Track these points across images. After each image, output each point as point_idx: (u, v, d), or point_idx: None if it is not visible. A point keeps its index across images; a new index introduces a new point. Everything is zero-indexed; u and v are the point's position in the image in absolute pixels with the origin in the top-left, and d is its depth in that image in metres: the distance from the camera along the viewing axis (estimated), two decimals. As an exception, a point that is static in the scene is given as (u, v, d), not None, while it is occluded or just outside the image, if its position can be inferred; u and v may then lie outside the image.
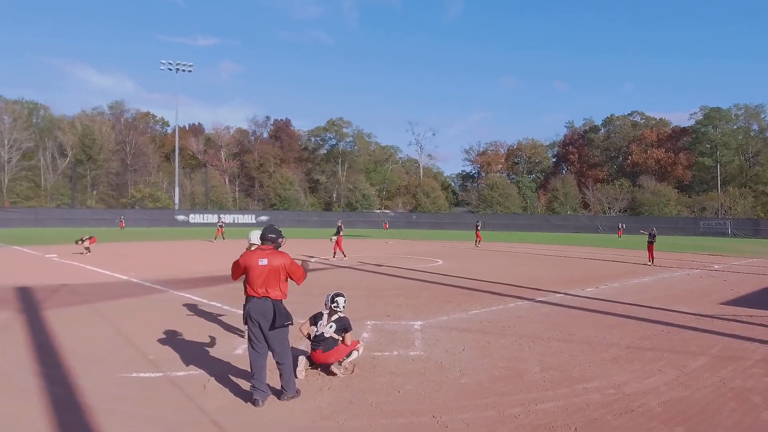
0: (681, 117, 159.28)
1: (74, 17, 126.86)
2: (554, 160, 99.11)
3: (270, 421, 4.27)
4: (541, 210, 79.10)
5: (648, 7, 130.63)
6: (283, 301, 4.84)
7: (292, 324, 4.85)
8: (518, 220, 64.16)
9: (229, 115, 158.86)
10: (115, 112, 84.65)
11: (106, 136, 76.20)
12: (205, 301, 9.90)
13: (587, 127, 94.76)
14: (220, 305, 9.42)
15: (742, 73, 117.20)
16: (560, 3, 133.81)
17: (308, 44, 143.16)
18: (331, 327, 5.57)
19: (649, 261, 18.92)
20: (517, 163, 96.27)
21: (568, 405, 4.66)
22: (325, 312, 5.71)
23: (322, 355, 5.45)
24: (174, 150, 68.34)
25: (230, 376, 5.36)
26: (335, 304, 5.70)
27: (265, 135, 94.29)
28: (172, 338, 6.96)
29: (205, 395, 4.84)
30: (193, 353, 6.23)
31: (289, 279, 4.92)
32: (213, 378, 5.30)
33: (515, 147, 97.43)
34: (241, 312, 5.75)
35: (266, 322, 4.67)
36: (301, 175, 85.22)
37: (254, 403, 4.57)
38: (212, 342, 6.80)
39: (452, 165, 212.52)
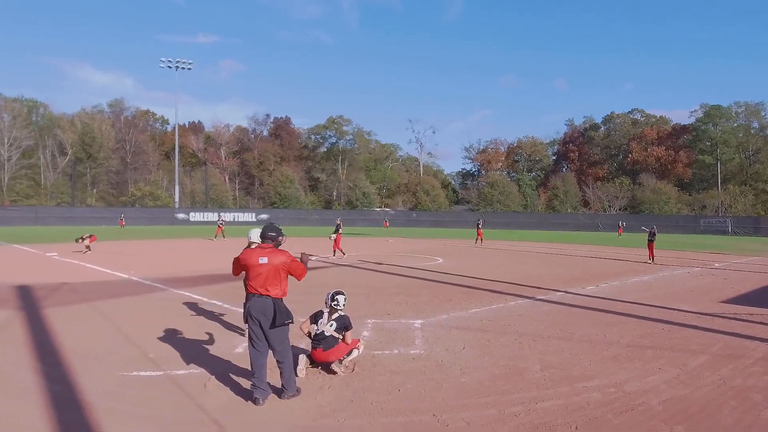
0: (681, 115, 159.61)
1: (73, 15, 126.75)
2: (554, 158, 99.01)
3: (270, 420, 4.27)
4: (541, 208, 79.05)
5: (648, 7, 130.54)
6: (283, 300, 4.84)
7: (292, 322, 4.85)
8: (518, 219, 64.18)
9: (229, 113, 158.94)
10: (114, 110, 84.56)
11: (105, 135, 76.14)
12: (205, 299, 9.90)
13: (587, 125, 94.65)
14: (220, 304, 9.41)
15: (743, 73, 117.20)
16: (560, 3, 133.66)
17: (308, 44, 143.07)
18: (331, 325, 5.57)
19: (650, 259, 18.92)
20: (518, 161, 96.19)
21: (569, 403, 4.66)
22: (326, 310, 5.71)
23: (322, 353, 5.45)
24: (174, 148, 68.24)
25: (231, 375, 5.36)
26: (335, 303, 5.69)
27: (265, 133, 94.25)
28: (172, 337, 6.96)
29: (206, 394, 4.84)
30: (194, 352, 6.23)
31: (289, 276, 4.92)
32: (213, 377, 5.30)
33: (515, 145, 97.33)
34: (242, 310, 5.75)
35: (266, 320, 4.67)
36: (301, 173, 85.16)
37: (255, 401, 4.57)
38: (212, 340, 6.80)
39: (452, 163, 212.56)
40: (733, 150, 77.53)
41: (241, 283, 5.30)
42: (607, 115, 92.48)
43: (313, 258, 17.48)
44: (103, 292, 10.80)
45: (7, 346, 6.37)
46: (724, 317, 8.78)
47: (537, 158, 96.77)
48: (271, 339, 4.71)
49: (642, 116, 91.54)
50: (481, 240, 28.30)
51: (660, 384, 5.22)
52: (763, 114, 78.13)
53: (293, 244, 5.36)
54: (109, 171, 77.00)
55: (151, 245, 25.65)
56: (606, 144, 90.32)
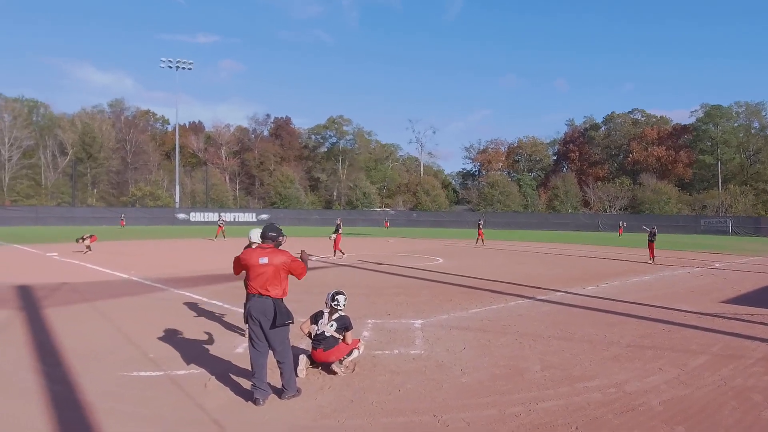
0: (682, 114, 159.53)
1: (73, 15, 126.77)
2: (555, 158, 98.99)
3: (271, 420, 4.27)
4: (541, 208, 79.03)
5: (648, 7, 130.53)
6: (283, 300, 4.84)
7: (292, 323, 4.85)
8: (519, 219, 64.19)
9: (230, 113, 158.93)
10: (115, 110, 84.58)
11: (106, 134, 76.16)
12: (205, 299, 9.90)
13: (588, 125, 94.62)
14: (220, 304, 9.42)
15: (743, 73, 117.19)
16: (560, 3, 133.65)
17: (308, 44, 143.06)
18: (331, 326, 5.56)
19: (650, 259, 18.92)
20: (518, 161, 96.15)
21: (569, 404, 4.66)
22: (326, 310, 5.71)
23: (322, 353, 5.45)
24: (174, 148, 68.26)
25: (231, 375, 5.36)
26: (336, 303, 5.69)
27: (266, 133, 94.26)
28: (172, 337, 6.96)
29: (206, 394, 4.84)
30: (194, 352, 6.23)
31: (290, 275, 4.93)
32: (214, 377, 5.30)
33: (516, 145, 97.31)
34: (242, 310, 5.75)
35: (267, 320, 4.67)
36: (301, 173, 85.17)
37: (255, 402, 4.57)
38: (212, 340, 6.80)
39: (453, 163, 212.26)
40: (733, 150, 77.48)
41: (241, 284, 5.30)
42: (608, 115, 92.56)
43: (313, 258, 17.48)
44: (104, 292, 10.80)
45: (8, 346, 6.37)
46: (725, 317, 8.78)
47: (537, 158, 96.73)
48: (271, 339, 4.71)
49: (642, 116, 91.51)
50: (482, 240, 28.27)
51: (660, 384, 5.22)
52: (764, 114, 78.12)
53: (293, 245, 5.36)
54: (110, 171, 77.02)
55: (151, 245, 25.66)
56: (606, 144, 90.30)
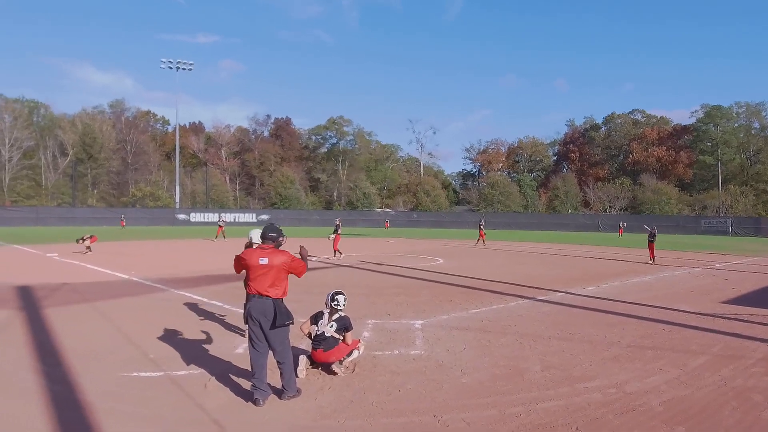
0: (682, 115, 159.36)
1: (74, 15, 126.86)
2: (555, 158, 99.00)
3: (271, 421, 4.27)
4: (541, 208, 79.03)
5: (648, 7, 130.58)
6: (283, 300, 4.84)
7: (292, 323, 4.85)
8: (519, 219, 64.18)
9: (230, 114, 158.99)
10: (115, 111, 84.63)
11: (106, 135, 76.20)
12: (205, 300, 9.90)
13: (588, 126, 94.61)
14: (220, 304, 9.42)
15: (743, 73, 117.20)
16: (560, 3, 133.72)
17: (308, 44, 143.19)
18: (331, 326, 5.56)
19: (650, 260, 18.91)
20: (518, 162, 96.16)
21: (569, 404, 4.65)
22: (326, 311, 5.70)
23: (322, 354, 5.45)
24: (174, 148, 68.28)
25: (231, 376, 5.36)
26: (336, 303, 5.69)
27: (266, 133, 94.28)
28: (172, 337, 6.96)
29: (206, 394, 4.84)
30: (194, 352, 6.23)
31: (290, 274, 4.93)
32: (214, 377, 5.30)
33: (516, 145, 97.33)
34: (242, 311, 5.74)
35: (267, 321, 4.67)
36: (301, 174, 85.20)
37: (255, 402, 4.57)
38: (212, 341, 6.80)
39: (453, 163, 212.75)
40: (733, 150, 77.48)
41: (241, 284, 5.30)
42: (608, 115, 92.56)
43: (313, 259, 17.49)
44: (104, 292, 10.80)
45: (8, 346, 6.37)
46: (725, 318, 8.77)
47: (537, 159, 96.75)
48: (271, 340, 4.71)
49: (642, 116, 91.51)
50: (483, 241, 28.25)
51: (660, 384, 5.21)
52: (764, 114, 78.10)
53: (293, 245, 5.37)
54: (110, 171, 77.06)
55: (151, 246, 25.66)
56: (606, 144, 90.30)
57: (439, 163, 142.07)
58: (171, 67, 64.38)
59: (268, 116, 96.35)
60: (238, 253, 5.03)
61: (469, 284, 12.61)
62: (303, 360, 5.45)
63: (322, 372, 5.51)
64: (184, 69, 64.76)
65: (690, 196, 73.64)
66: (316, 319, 5.70)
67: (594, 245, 30.52)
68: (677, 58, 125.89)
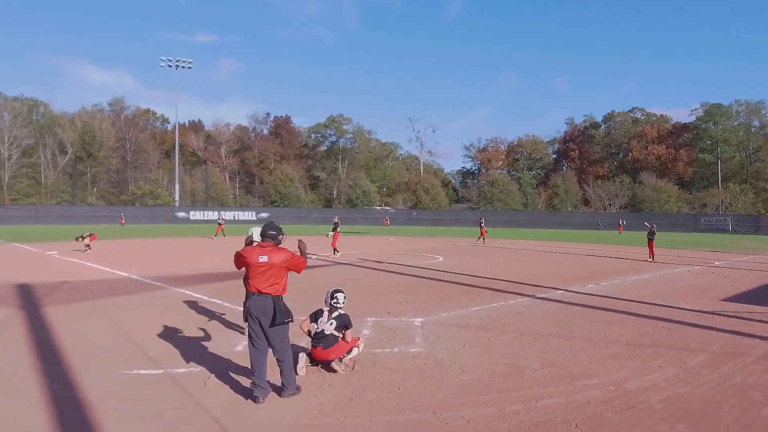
0: (682, 113, 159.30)
1: (73, 14, 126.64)
2: (555, 156, 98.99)
3: (270, 418, 4.27)
4: (541, 207, 79.04)
5: (648, 7, 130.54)
6: (283, 298, 4.84)
7: (292, 321, 4.84)
8: (519, 217, 64.21)
9: (229, 112, 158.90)
10: (115, 109, 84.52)
11: (106, 133, 76.12)
12: (205, 298, 9.90)
13: (588, 124, 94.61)
14: (220, 302, 9.41)
15: (743, 72, 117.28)
16: (560, 3, 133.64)
17: (308, 43, 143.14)
18: (331, 324, 5.56)
19: (650, 257, 18.92)
20: (518, 160, 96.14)
21: (569, 402, 4.65)
22: (326, 309, 5.70)
23: (322, 352, 5.45)
24: (174, 147, 68.20)
25: (231, 373, 5.36)
26: (335, 301, 5.69)
27: (266, 132, 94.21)
28: (172, 335, 6.96)
29: (206, 392, 4.84)
30: (194, 350, 6.23)
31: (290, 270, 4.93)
32: (213, 375, 5.30)
33: (516, 143, 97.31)
34: (242, 309, 5.74)
35: (266, 319, 4.67)
36: (301, 172, 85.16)
37: (255, 400, 4.57)
38: (212, 339, 6.80)
39: (452, 161, 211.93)
40: (733, 148, 77.49)
41: (240, 282, 5.31)
42: (608, 113, 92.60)
43: (313, 257, 17.49)
44: (104, 290, 10.80)
45: (8, 345, 6.37)
46: (725, 315, 8.78)
47: (537, 157, 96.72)
48: (270, 337, 4.71)
49: (642, 115, 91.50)
50: (483, 239, 28.28)
51: (660, 382, 5.22)
52: (764, 112, 78.14)
53: (293, 243, 5.37)
54: (110, 170, 76.99)
55: (151, 244, 25.65)
56: (606, 142, 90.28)
57: (439, 161, 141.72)
58: (170, 66, 64.28)
59: (268, 114, 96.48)
60: (239, 250, 5.03)
61: (469, 282, 12.62)
62: (303, 358, 5.45)
63: (321, 370, 5.51)
64: (183, 67, 64.64)
65: (690, 194, 73.68)
66: (315, 316, 5.70)
67: (594, 243, 30.52)
68: (677, 58, 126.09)
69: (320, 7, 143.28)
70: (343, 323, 5.61)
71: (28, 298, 9.69)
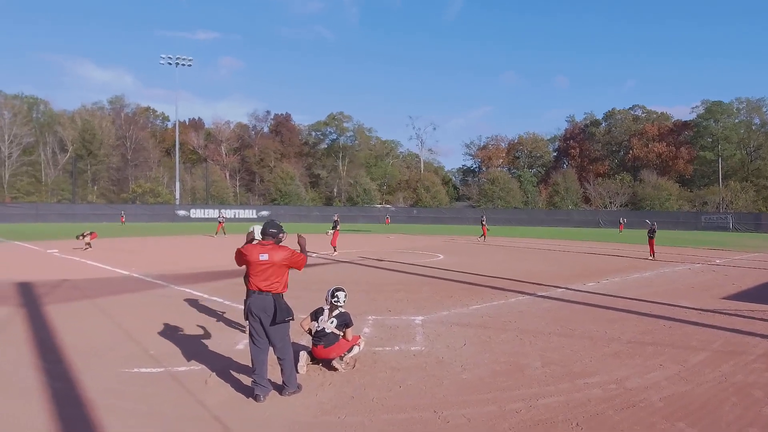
0: (682, 111, 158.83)
1: (73, 12, 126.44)
2: (555, 154, 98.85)
3: (271, 417, 4.27)
4: (542, 204, 78.99)
5: (648, 7, 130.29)
6: (283, 296, 4.83)
7: (293, 319, 4.84)
8: (519, 215, 64.21)
9: (230, 110, 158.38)
10: (115, 107, 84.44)
11: (106, 131, 76.08)
12: (206, 296, 9.90)
13: (588, 121, 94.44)
14: (221, 300, 9.42)
15: (743, 72, 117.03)
16: (560, 3, 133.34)
17: (308, 41, 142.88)
18: (332, 322, 5.56)
19: (650, 255, 18.91)
20: (518, 158, 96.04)
21: (570, 400, 4.65)
22: (326, 307, 5.70)
23: (323, 350, 5.45)
24: (174, 145, 68.21)
25: (231, 372, 5.36)
26: (336, 299, 5.69)
27: (266, 130, 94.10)
28: (173, 333, 6.96)
29: (207, 390, 4.84)
30: (194, 348, 6.23)
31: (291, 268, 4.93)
32: (214, 373, 5.30)
33: (516, 141, 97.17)
34: (242, 307, 5.74)
35: (267, 317, 4.67)
36: (301, 170, 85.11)
37: (256, 398, 4.57)
38: (213, 337, 6.80)
39: (453, 159, 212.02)
40: (734, 146, 77.39)
41: (241, 280, 5.30)
42: (608, 111, 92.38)
43: (313, 255, 17.49)
44: (104, 288, 10.80)
45: (8, 343, 6.37)
46: (725, 314, 8.77)
47: (538, 154, 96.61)
48: (271, 336, 4.71)
49: (643, 112, 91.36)
50: (484, 237, 28.31)
51: (661, 380, 5.21)
52: (765, 110, 78.00)
53: (293, 241, 5.36)
54: (110, 168, 76.98)
55: (151, 242, 25.66)
56: (607, 140, 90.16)
57: (440, 159, 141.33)
58: (170, 63, 64.22)
59: (268, 112, 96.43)
60: (240, 247, 5.03)
61: (470, 280, 12.61)
62: (303, 356, 5.45)
63: (322, 368, 5.51)
64: (183, 65, 64.59)
65: (690, 191, 73.60)
66: (316, 315, 5.70)
67: (594, 241, 30.51)
68: (677, 57, 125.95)
69: (320, 6, 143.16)
70: (344, 321, 5.61)
71: (28, 297, 9.69)
